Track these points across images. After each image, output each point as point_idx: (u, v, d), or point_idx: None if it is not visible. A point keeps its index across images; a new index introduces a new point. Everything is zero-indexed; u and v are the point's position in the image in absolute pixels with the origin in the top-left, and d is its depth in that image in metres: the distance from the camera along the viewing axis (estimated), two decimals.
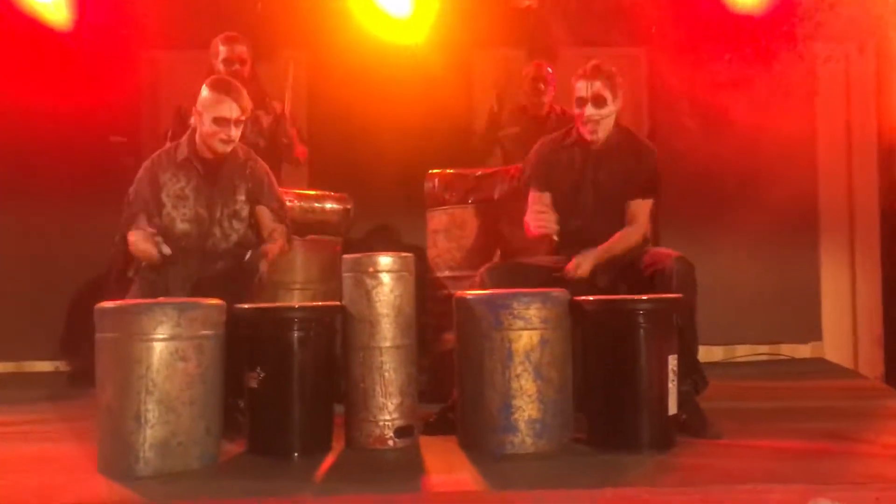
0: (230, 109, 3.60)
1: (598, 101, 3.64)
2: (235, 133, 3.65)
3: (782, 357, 5.78)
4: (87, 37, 5.22)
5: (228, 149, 3.69)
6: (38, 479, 2.82)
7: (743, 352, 5.84)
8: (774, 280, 5.76)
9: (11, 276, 5.65)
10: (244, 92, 3.67)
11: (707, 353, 5.61)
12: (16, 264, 5.64)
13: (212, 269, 3.62)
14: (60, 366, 5.64)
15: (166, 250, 3.49)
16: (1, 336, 5.64)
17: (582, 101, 3.66)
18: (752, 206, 5.62)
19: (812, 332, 5.86)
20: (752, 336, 5.82)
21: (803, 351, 5.85)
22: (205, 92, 3.63)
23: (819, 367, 5.48)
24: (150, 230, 3.58)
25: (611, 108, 3.66)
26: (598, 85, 3.62)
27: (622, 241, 3.64)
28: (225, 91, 3.61)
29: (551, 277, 3.56)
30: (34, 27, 5.15)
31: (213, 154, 3.71)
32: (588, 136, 3.70)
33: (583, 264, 3.54)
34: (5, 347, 5.66)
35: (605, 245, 3.61)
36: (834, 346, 5.82)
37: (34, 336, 5.62)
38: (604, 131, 3.69)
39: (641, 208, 3.71)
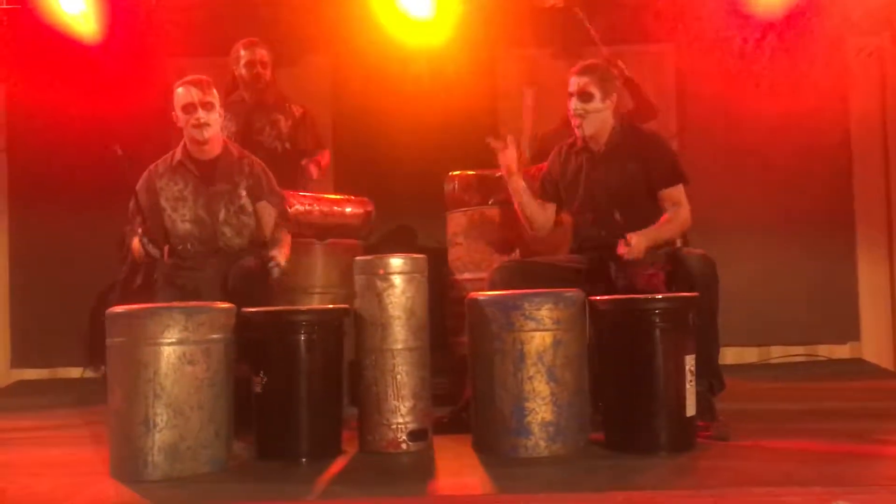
0: (191, 95, 3.67)
1: (584, 97, 3.65)
2: (206, 116, 3.69)
3: (819, 358, 5.62)
4: (114, 45, 5.28)
5: (206, 134, 3.71)
6: (48, 483, 2.84)
7: (778, 353, 5.69)
8: (810, 279, 5.61)
9: (45, 284, 5.73)
10: (204, 80, 3.74)
11: (741, 355, 5.53)
12: (49, 272, 5.71)
13: (239, 266, 3.62)
14: (94, 372, 5.69)
15: (153, 251, 3.53)
16: (35, 343, 5.74)
17: (569, 96, 3.69)
18: (785, 203, 5.50)
19: (850, 332, 5.68)
20: (788, 337, 5.66)
21: (842, 352, 5.68)
22: (174, 94, 3.73)
23: (856, 367, 5.32)
24: (138, 230, 3.64)
25: (597, 105, 3.65)
26: (584, 80, 3.65)
27: (670, 222, 3.58)
28: (183, 83, 3.71)
29: (562, 276, 3.50)
30: (63, 38, 5.23)
31: (201, 151, 3.75)
32: (576, 132, 3.71)
33: (638, 244, 3.44)
34: (39, 354, 5.75)
35: (655, 227, 3.54)
36: (873, 346, 5.63)
37: (68, 343, 5.67)
38: (591, 127, 3.67)
39: (677, 194, 3.63)
